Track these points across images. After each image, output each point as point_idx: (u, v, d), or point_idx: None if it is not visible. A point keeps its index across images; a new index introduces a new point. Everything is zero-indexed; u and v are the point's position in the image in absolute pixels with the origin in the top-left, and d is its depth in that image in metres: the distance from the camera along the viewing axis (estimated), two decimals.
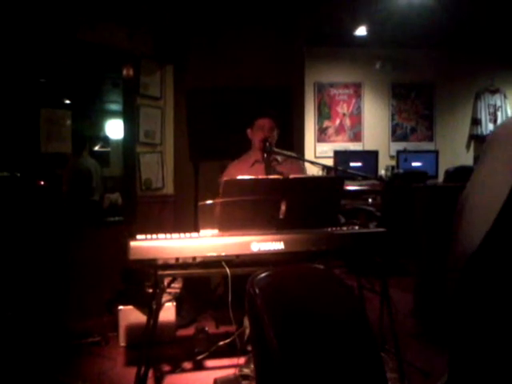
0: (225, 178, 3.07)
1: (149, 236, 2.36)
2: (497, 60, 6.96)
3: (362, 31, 5.82)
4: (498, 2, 5.12)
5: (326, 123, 6.89)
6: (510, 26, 5.91)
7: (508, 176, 1.11)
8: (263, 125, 3.19)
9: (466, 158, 7.07)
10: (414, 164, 6.46)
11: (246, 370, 2.74)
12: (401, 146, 6.91)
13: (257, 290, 1.28)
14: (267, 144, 3.12)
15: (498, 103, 7.13)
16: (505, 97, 7.14)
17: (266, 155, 3.17)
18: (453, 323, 1.26)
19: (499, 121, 7.10)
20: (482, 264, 1.13)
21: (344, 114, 6.93)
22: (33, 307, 3.35)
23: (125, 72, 4.40)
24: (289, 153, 3.31)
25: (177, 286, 3.51)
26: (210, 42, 4.75)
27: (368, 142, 6.94)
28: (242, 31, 4.82)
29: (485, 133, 7.08)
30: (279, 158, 3.29)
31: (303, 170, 3.46)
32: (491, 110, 7.12)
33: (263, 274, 1.34)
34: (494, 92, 7.11)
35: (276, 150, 3.17)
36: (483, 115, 7.10)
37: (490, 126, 7.09)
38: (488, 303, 1.12)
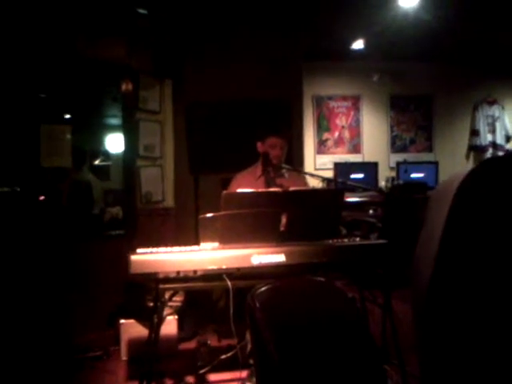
0: (231, 189, 3.10)
1: (149, 250, 2.36)
2: (494, 72, 7.00)
3: (359, 45, 5.86)
4: (493, 15, 5.16)
5: (326, 135, 6.92)
6: (506, 39, 5.96)
7: (439, 228, 1.19)
8: (275, 143, 3.24)
9: (466, 169, 7.08)
10: (414, 175, 6.46)
11: None
12: (400, 157, 6.92)
13: (257, 305, 1.28)
14: (268, 158, 3.16)
15: (496, 114, 7.16)
16: (503, 108, 7.17)
17: (265, 169, 3.19)
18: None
19: (498, 131, 7.12)
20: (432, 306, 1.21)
21: (343, 127, 6.96)
22: (35, 322, 3.34)
23: (124, 87, 4.43)
24: (288, 166, 3.34)
25: (178, 300, 3.50)
26: (209, 56, 4.79)
27: (367, 154, 6.95)
28: (241, 45, 4.86)
29: (484, 143, 7.10)
30: (286, 173, 3.32)
31: (306, 184, 3.49)
32: (489, 120, 7.15)
33: (263, 288, 1.34)
34: (492, 103, 7.15)
35: (283, 165, 3.22)
36: (482, 126, 7.13)
37: (489, 137, 7.12)
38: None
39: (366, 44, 5.84)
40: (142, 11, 4.31)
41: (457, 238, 1.17)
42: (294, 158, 4.62)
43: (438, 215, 1.23)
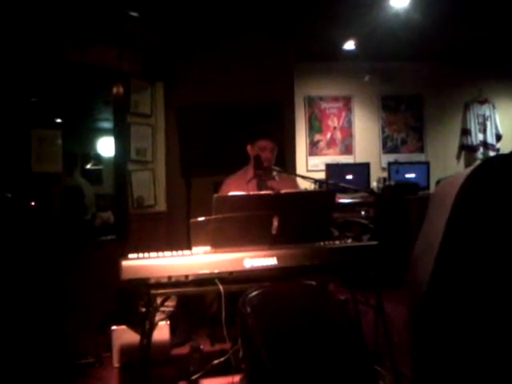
0: (222, 193, 3.09)
1: (141, 255, 2.35)
2: (484, 71, 7.03)
3: (350, 45, 5.87)
4: (484, 14, 5.19)
5: (317, 137, 6.93)
6: (496, 37, 5.99)
7: (441, 230, 1.19)
8: (265, 146, 3.25)
9: (457, 169, 7.11)
10: (406, 175, 6.48)
11: None
12: (392, 157, 6.95)
13: (248, 310, 1.28)
14: (260, 161, 3.17)
15: (487, 113, 7.19)
16: (493, 107, 7.20)
17: (257, 172, 3.20)
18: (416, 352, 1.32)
19: (488, 131, 7.16)
20: (432, 306, 1.20)
21: (335, 128, 6.97)
22: (26, 329, 3.31)
23: (115, 90, 4.42)
24: (279, 169, 3.34)
25: (170, 305, 3.48)
26: (200, 58, 4.78)
27: (359, 155, 6.97)
28: (232, 47, 4.86)
29: (475, 143, 7.13)
30: (276, 176, 3.32)
31: (297, 186, 3.50)
32: (480, 120, 7.18)
33: (254, 293, 1.33)
34: (483, 102, 7.18)
35: (274, 167, 3.22)
36: (473, 125, 7.16)
37: (480, 136, 7.15)
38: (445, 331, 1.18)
39: (357, 45, 5.86)
40: (132, 14, 4.30)
41: (459, 236, 1.16)
42: (287, 160, 4.63)
43: (440, 213, 1.22)
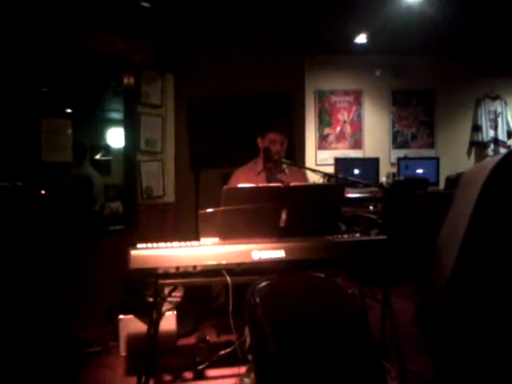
0: (231, 185, 3.09)
1: (149, 245, 2.36)
2: (497, 67, 6.96)
3: (361, 39, 5.84)
4: (497, 10, 5.13)
5: (327, 130, 6.90)
6: (510, 33, 5.92)
7: (467, 216, 1.18)
8: (275, 139, 3.25)
9: (467, 165, 7.06)
10: (415, 171, 6.44)
11: (247, 380, 2.72)
12: (401, 153, 6.91)
13: (257, 300, 1.28)
14: (270, 154, 3.17)
15: (499, 110, 7.13)
16: (505, 103, 7.14)
17: (266, 164, 3.20)
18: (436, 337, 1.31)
19: (500, 127, 7.10)
20: (455, 291, 1.19)
21: (344, 122, 6.94)
22: (33, 317, 3.33)
23: (126, 81, 4.42)
24: (289, 162, 3.34)
25: (178, 295, 3.50)
26: (211, 50, 4.77)
27: (369, 149, 6.94)
28: (243, 40, 4.84)
29: (485, 139, 7.08)
30: (286, 169, 3.32)
31: (307, 180, 3.50)
32: (492, 116, 7.12)
33: (263, 284, 1.33)
34: (495, 99, 7.12)
35: (284, 161, 3.22)
36: (484, 122, 7.10)
37: (491, 133, 7.09)
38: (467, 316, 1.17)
39: (369, 38, 5.82)
40: (144, 4, 4.30)
41: (484, 225, 1.15)
42: (296, 153, 4.62)
43: (466, 202, 1.21)
